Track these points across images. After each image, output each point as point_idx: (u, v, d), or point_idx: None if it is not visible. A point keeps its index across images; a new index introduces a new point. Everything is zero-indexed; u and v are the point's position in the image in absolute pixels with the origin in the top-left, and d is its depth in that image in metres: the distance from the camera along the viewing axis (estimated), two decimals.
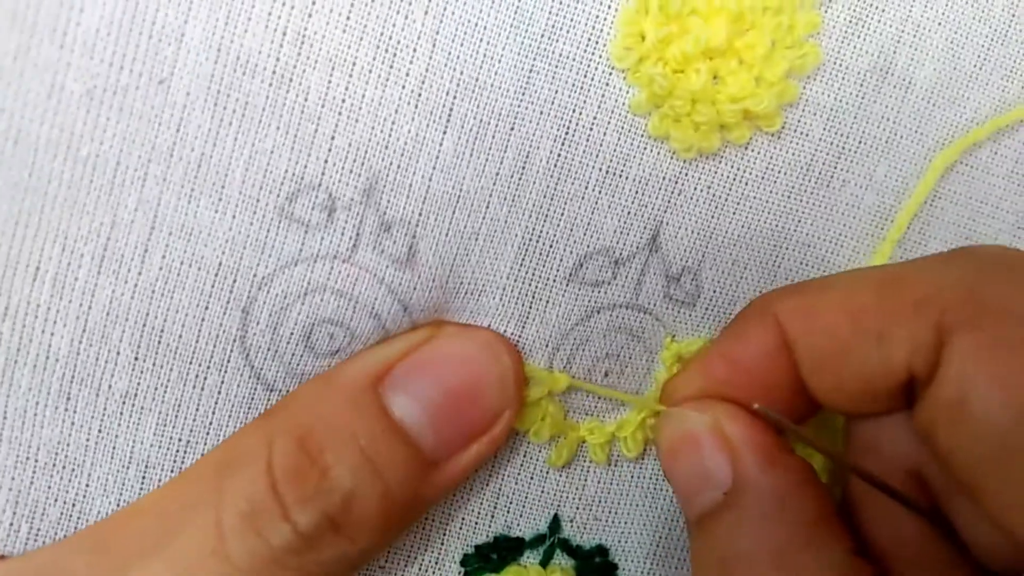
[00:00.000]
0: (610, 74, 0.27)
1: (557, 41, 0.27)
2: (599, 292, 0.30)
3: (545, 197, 0.28)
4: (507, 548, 0.32)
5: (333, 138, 0.26)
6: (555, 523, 0.32)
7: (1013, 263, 0.26)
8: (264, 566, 0.24)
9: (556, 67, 0.27)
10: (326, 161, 0.26)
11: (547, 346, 0.30)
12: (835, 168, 0.30)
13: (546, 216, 0.28)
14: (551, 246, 0.29)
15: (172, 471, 0.28)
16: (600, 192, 0.28)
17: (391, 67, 0.26)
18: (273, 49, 0.25)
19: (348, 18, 0.25)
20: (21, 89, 0.24)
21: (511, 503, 0.32)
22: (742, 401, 0.28)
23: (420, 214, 0.27)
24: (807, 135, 0.30)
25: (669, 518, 0.33)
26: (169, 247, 0.26)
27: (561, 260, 0.29)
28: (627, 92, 0.28)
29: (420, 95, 0.26)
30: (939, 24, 0.30)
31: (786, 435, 0.28)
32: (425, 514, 0.30)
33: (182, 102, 0.25)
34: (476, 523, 0.31)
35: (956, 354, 0.23)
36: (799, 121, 0.29)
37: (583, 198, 0.28)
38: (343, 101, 0.26)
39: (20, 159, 0.25)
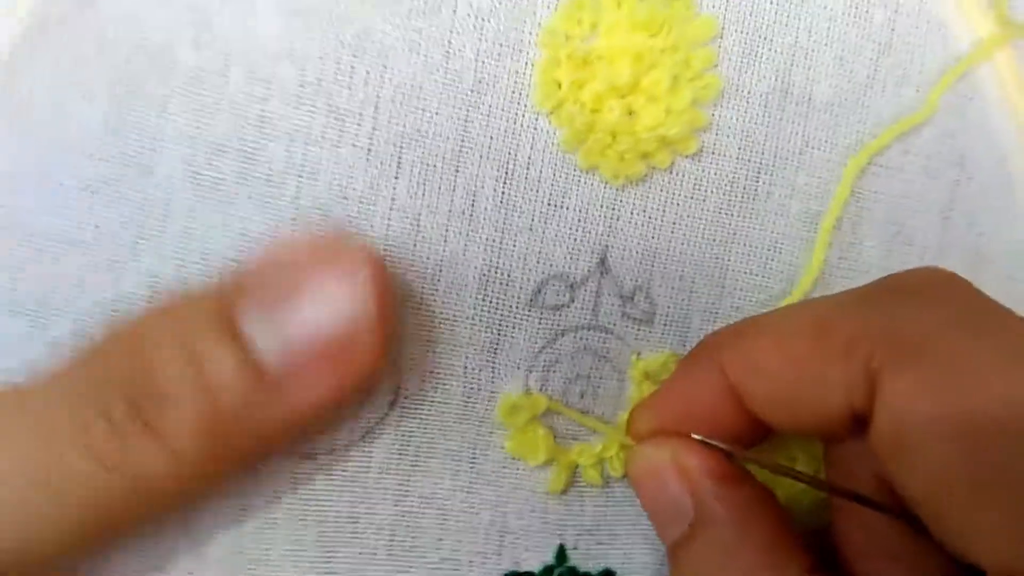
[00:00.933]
0: (536, 118, 0.31)
1: (485, 95, 0.31)
2: (560, 315, 0.32)
3: (496, 231, 0.31)
4: None
5: (297, 198, 0.30)
6: (561, 553, 0.33)
7: (930, 293, 0.27)
8: (72, 451, 0.24)
9: (488, 117, 0.31)
10: (293, 219, 0.30)
11: (519, 368, 0.32)
12: (757, 181, 0.33)
13: (500, 248, 0.31)
14: (509, 275, 0.32)
15: None
16: (546, 223, 0.32)
17: (341, 132, 0.30)
18: (238, 131, 0.29)
19: (299, 98, 0.29)
20: (19, 187, 0.28)
21: (517, 539, 0.33)
22: (696, 433, 0.29)
23: (384, 251, 0.30)
24: (724, 154, 0.33)
25: None
26: None
27: (520, 287, 0.32)
28: (554, 132, 0.31)
29: (370, 150, 0.30)
30: (826, 45, 0.34)
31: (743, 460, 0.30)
32: (271, 448, 0.29)
33: (166, 185, 0.29)
34: (485, 563, 0.33)
35: (887, 395, 0.25)
36: (715, 143, 0.33)
37: (531, 229, 0.32)
38: (303, 166, 0.29)
39: (23, 251, 0.28)
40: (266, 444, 0.27)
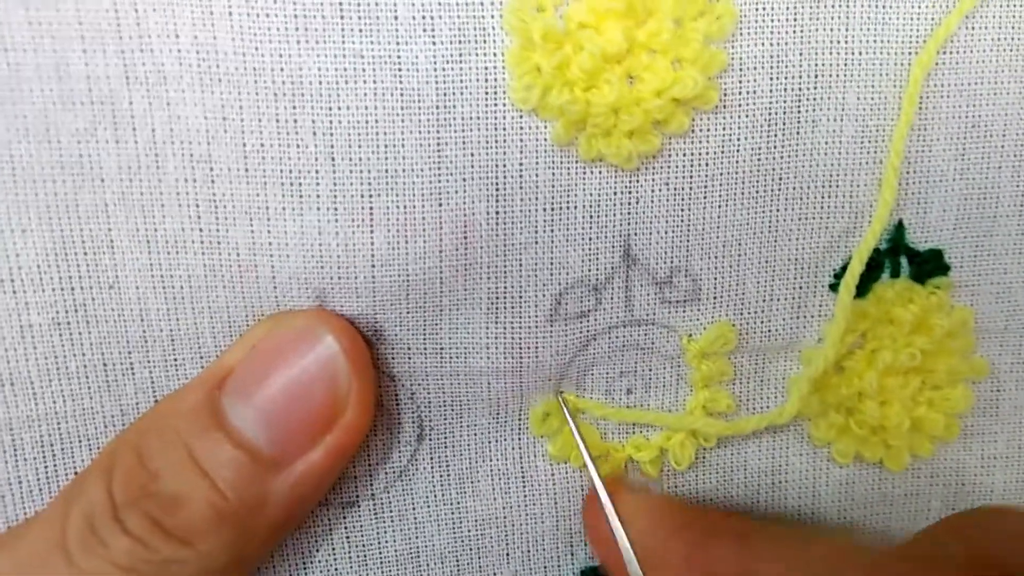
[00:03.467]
0: (520, 116, 0.27)
1: (454, 106, 0.26)
2: (587, 322, 0.29)
3: (497, 255, 0.28)
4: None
5: (274, 278, 0.27)
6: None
7: None
8: (103, 567, 0.24)
9: (463, 131, 0.26)
10: (275, 298, 0.27)
11: (549, 380, 0.30)
12: (798, 112, 0.28)
13: (504, 271, 0.28)
14: (520, 296, 0.29)
15: None
16: (552, 230, 0.28)
17: (300, 197, 0.26)
18: (193, 222, 0.26)
19: (247, 171, 0.26)
20: None
21: (580, 534, 0.32)
22: None
23: (374, 306, 0.28)
24: (754, 92, 0.28)
25: (749, 501, 0.32)
26: None
27: (536, 305, 0.29)
28: (544, 128, 0.27)
29: (336, 209, 0.27)
30: None
31: None
32: (297, 517, 0.29)
33: (136, 296, 0.27)
34: (559, 566, 0.32)
35: None
36: (740, 83, 0.28)
37: (536, 242, 0.28)
38: (270, 244, 0.27)
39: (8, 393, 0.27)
40: (285, 521, 0.28)
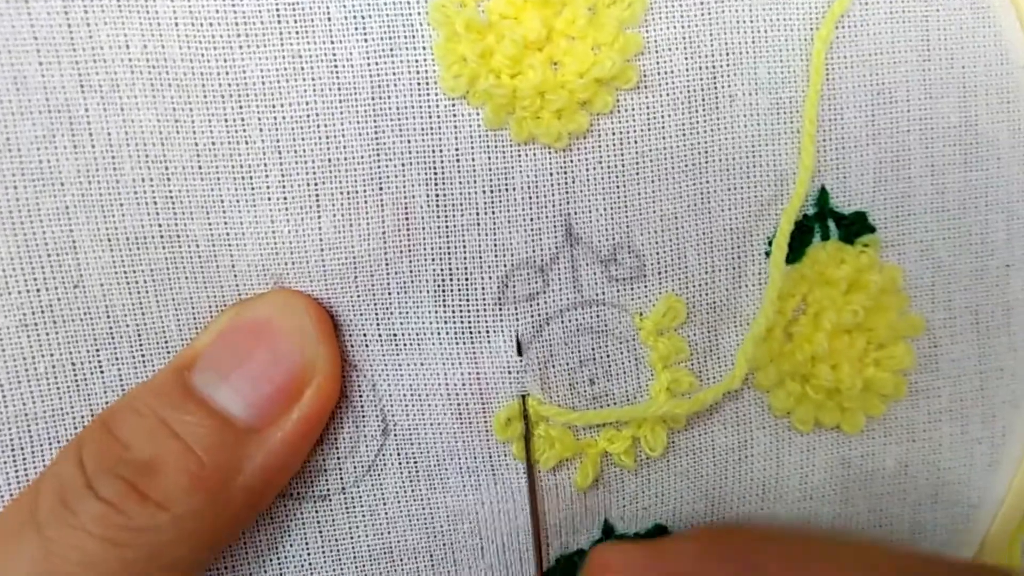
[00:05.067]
0: (453, 104, 0.29)
1: (389, 97, 0.28)
2: (538, 304, 0.30)
3: (440, 236, 0.29)
4: (571, 564, 0.32)
5: (233, 267, 0.29)
6: (607, 527, 0.33)
7: None
8: (74, 534, 0.25)
9: (399, 120, 0.28)
10: (236, 287, 0.29)
11: (510, 373, 0.31)
12: (715, 88, 0.30)
13: (448, 254, 0.30)
14: (466, 278, 0.30)
15: None
16: (493, 212, 0.29)
17: (252, 189, 0.28)
18: (153, 219, 0.28)
19: (200, 168, 0.28)
20: None
21: (561, 527, 0.32)
22: None
23: (327, 289, 0.29)
24: (671, 72, 0.30)
25: (718, 478, 0.33)
26: None
27: (483, 288, 0.30)
28: (476, 113, 0.29)
29: (286, 199, 0.28)
30: None
31: None
32: (271, 488, 0.29)
33: (101, 293, 0.28)
34: (533, 558, 0.32)
35: None
36: (657, 64, 0.30)
37: (478, 224, 0.29)
38: (227, 235, 0.28)
39: None
40: (261, 491, 0.28)
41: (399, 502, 0.31)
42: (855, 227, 0.32)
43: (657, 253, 0.31)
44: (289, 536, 0.31)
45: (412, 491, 0.31)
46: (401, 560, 0.31)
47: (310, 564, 0.31)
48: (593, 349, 0.31)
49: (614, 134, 0.30)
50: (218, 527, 0.27)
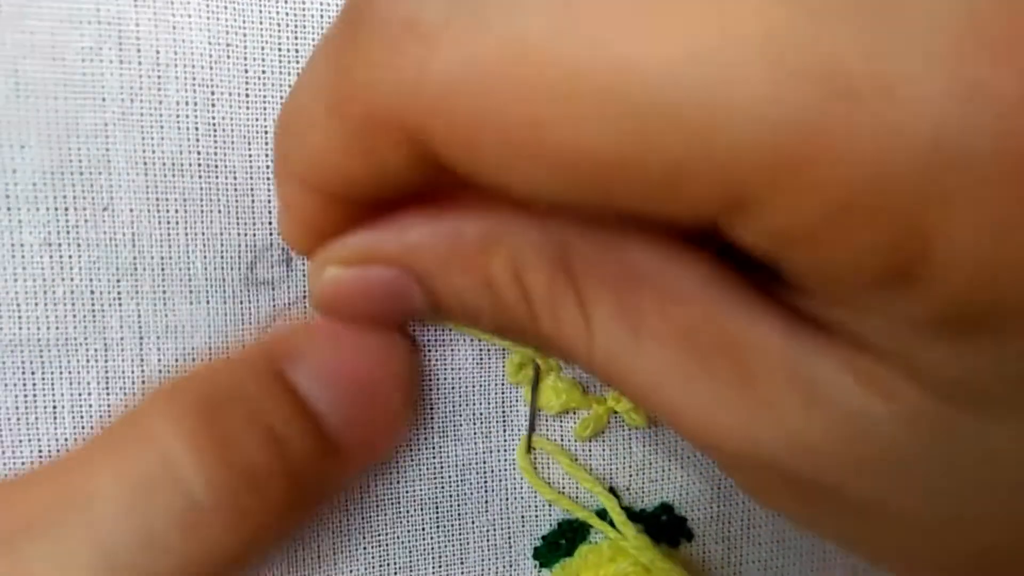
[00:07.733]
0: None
1: None
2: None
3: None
4: (573, 530, 0.32)
5: (270, 201, 0.28)
6: (612, 492, 0.32)
7: None
8: (160, 543, 0.22)
9: None
10: (270, 223, 0.28)
11: None
12: None
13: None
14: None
15: None
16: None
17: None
18: (192, 145, 0.27)
19: (247, 95, 0.27)
20: None
21: (564, 490, 0.32)
22: None
23: None
24: None
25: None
26: (161, 350, 0.28)
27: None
28: None
29: None
30: None
31: None
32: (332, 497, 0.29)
33: (129, 219, 0.27)
34: (537, 516, 0.32)
35: None
36: None
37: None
38: (267, 168, 0.27)
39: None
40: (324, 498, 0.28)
41: (411, 451, 0.31)
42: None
43: None
44: None
45: (425, 440, 0.31)
46: (408, 511, 0.31)
47: (316, 513, 0.30)
48: None
49: None
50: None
